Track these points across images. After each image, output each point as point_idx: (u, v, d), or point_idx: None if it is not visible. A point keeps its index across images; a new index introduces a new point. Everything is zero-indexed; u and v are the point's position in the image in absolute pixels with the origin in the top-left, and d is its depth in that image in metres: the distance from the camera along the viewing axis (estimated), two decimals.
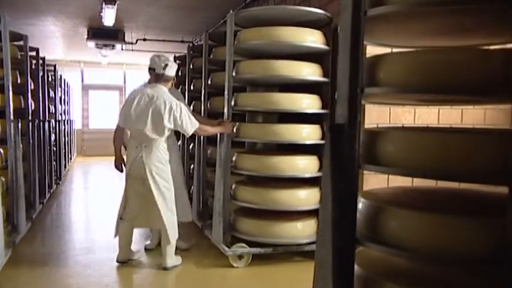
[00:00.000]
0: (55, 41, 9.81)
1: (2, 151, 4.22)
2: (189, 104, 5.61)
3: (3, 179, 4.18)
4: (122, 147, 3.80)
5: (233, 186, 3.97)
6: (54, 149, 7.40)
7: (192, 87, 5.61)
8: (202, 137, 4.80)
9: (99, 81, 14.05)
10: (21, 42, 5.00)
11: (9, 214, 4.23)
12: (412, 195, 1.78)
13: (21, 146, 4.49)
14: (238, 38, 3.91)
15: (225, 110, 3.89)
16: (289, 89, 4.02)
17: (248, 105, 3.96)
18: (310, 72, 3.85)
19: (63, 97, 9.79)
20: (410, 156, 1.45)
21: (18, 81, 4.92)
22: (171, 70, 3.60)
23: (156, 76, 3.56)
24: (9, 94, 4.17)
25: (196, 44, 7.72)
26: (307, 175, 3.85)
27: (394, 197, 1.73)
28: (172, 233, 3.53)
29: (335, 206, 1.53)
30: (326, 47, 3.87)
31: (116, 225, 3.66)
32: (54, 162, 7.41)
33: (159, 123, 3.39)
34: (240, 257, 3.70)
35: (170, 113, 3.40)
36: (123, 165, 3.71)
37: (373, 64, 1.59)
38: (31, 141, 5.07)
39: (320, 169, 3.94)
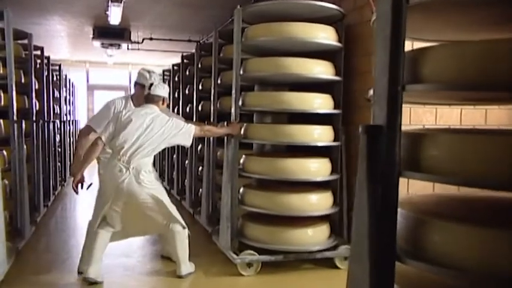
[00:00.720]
0: (60, 40, 9.70)
1: (5, 153, 4.07)
2: (197, 105, 5.46)
3: (7, 182, 4.04)
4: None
5: (241, 190, 3.80)
6: (59, 149, 7.28)
7: (200, 87, 5.47)
8: (211, 138, 4.64)
9: (105, 82, 13.94)
10: (26, 41, 4.87)
11: (12, 217, 4.09)
12: (453, 205, 1.61)
13: (25, 147, 4.35)
14: (246, 34, 3.74)
15: (232, 110, 3.73)
16: (300, 89, 3.86)
17: (257, 105, 3.79)
18: (322, 70, 3.68)
19: (68, 97, 9.69)
20: (464, 162, 1.27)
21: (22, 80, 4.80)
22: (158, 90, 3.36)
23: (145, 97, 3.38)
24: (12, 94, 4.03)
25: (204, 42, 7.57)
26: (319, 179, 3.68)
27: (436, 207, 1.56)
28: (181, 220, 3.40)
29: (372, 218, 1.36)
30: (339, 44, 3.70)
31: (88, 235, 3.40)
32: (59, 164, 7.28)
33: (160, 144, 3.29)
34: (249, 264, 3.51)
35: (170, 132, 3.28)
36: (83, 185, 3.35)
37: (416, 58, 1.42)
38: (35, 142, 4.95)
39: (332, 172, 3.80)
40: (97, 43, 8.50)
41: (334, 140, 3.77)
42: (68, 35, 9.18)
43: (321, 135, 3.71)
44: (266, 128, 3.79)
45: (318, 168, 3.68)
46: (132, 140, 3.19)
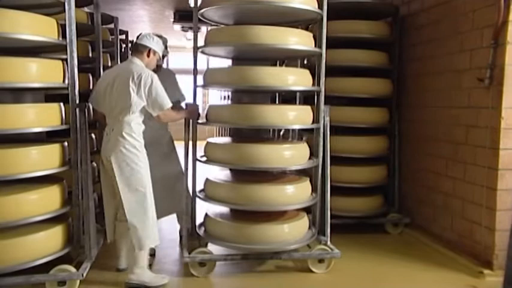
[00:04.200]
0: (142, 25, 9.92)
1: (94, 135, 4.12)
2: None
3: (95, 164, 4.09)
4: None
5: (204, 180, 3.45)
6: None
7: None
8: None
9: (184, 66, 14.20)
10: (112, 25, 4.91)
11: (100, 199, 4.14)
12: None
13: None
14: None
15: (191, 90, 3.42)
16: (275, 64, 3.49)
17: (218, 82, 3.36)
18: (298, 41, 3.14)
19: None
20: None
21: (109, 64, 4.85)
22: (145, 40, 3.06)
23: (131, 48, 3.16)
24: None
25: None
26: (295, 167, 3.21)
27: None
28: (142, 236, 2.96)
29: None
30: (318, 11, 3.14)
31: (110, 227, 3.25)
32: None
33: (125, 98, 2.84)
34: (202, 264, 3.15)
35: (139, 86, 2.84)
36: None
37: None
38: None
39: (311, 158, 3.31)
40: (177, 27, 8.56)
41: (314, 123, 3.29)
42: (150, 20, 9.35)
43: (298, 117, 3.19)
44: (231, 109, 3.35)
45: (294, 155, 3.20)
46: (106, 98, 2.94)
